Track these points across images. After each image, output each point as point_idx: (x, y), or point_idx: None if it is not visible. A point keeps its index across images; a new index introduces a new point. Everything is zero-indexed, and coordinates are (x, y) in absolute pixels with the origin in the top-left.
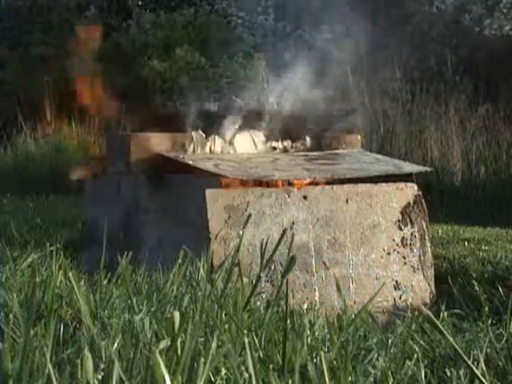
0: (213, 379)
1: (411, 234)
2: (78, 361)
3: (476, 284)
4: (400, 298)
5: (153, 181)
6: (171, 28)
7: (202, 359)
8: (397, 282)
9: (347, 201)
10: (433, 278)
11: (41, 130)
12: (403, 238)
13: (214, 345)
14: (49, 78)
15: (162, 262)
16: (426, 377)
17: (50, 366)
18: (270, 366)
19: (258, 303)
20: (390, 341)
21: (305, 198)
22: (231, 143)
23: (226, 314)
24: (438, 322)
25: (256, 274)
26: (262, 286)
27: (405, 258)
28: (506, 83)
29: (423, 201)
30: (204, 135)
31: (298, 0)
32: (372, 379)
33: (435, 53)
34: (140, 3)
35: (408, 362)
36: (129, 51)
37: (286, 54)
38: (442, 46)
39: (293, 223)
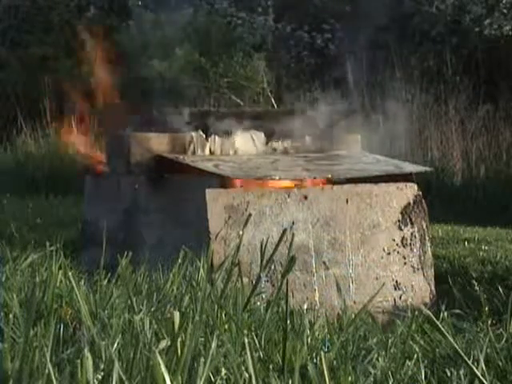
0: (213, 379)
1: (411, 233)
2: (78, 361)
3: (476, 284)
4: (400, 298)
5: (153, 181)
6: (171, 28)
7: (202, 359)
8: (397, 282)
9: (347, 201)
10: (433, 278)
11: (41, 130)
12: (403, 237)
13: (213, 345)
14: (49, 78)
15: (162, 262)
16: (426, 377)
17: (49, 366)
18: (270, 366)
19: (258, 303)
20: (390, 341)
21: (305, 197)
22: (231, 144)
23: (225, 314)
24: (438, 322)
25: (256, 273)
26: (262, 285)
27: (405, 257)
28: (505, 83)
29: (423, 201)
30: (204, 135)
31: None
32: (372, 379)
33: (435, 53)
34: (140, 3)
35: (408, 362)
36: (129, 51)
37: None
38: (442, 45)
39: (293, 223)
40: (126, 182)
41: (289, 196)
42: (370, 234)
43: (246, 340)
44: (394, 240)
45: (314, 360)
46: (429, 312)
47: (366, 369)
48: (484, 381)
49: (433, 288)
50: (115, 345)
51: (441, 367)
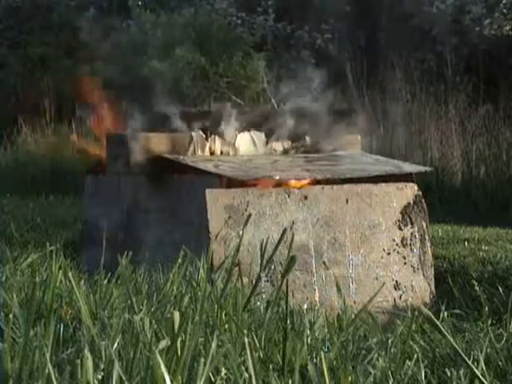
0: (213, 379)
1: (411, 233)
2: (78, 361)
3: (476, 284)
4: (400, 298)
5: (153, 181)
6: (171, 28)
7: (202, 359)
8: (397, 282)
9: (347, 201)
10: (433, 278)
11: (40, 130)
12: (403, 237)
13: (213, 345)
14: (49, 78)
15: (162, 262)
16: (426, 377)
17: (49, 366)
18: (270, 366)
19: (258, 303)
20: (390, 341)
21: (305, 197)
22: (231, 144)
23: (226, 314)
24: (438, 322)
25: (256, 273)
26: (262, 286)
27: (405, 258)
28: (505, 83)
29: (423, 201)
30: (204, 136)
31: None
32: (372, 379)
33: (435, 53)
34: (140, 3)
35: (408, 362)
36: (129, 51)
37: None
38: (442, 45)
39: (293, 223)
40: (125, 182)
41: (289, 196)
42: (370, 234)
43: (246, 340)
44: (394, 240)
45: (314, 360)
46: (429, 312)
47: (365, 369)
48: (484, 381)
49: (433, 288)
50: (115, 345)
51: (441, 367)
